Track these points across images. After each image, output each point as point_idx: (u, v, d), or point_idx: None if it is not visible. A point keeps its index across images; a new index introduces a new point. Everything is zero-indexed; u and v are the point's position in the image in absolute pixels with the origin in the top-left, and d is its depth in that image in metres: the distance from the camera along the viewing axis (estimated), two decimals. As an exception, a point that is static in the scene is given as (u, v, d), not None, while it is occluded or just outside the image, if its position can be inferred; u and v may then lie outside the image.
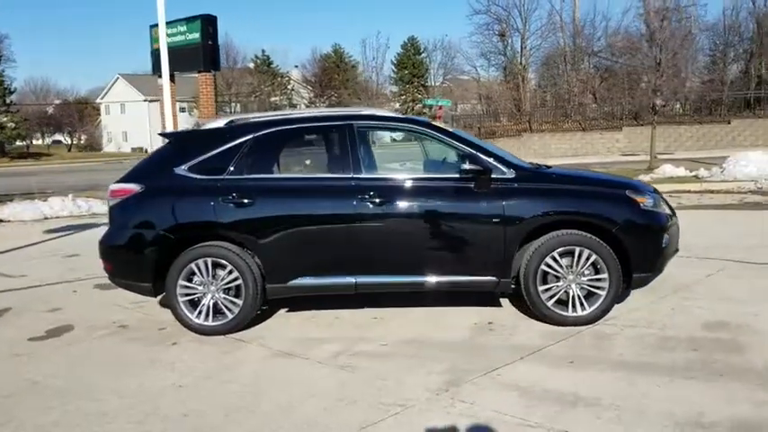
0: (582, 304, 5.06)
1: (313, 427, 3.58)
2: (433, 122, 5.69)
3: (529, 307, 5.19)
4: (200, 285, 5.23)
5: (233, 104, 61.83)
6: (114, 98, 70.50)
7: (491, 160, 5.11)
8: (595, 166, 19.99)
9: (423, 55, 75.51)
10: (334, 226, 5.16)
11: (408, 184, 5.22)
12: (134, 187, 5.34)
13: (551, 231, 5.06)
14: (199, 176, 5.27)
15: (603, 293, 5.04)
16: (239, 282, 5.18)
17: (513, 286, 5.20)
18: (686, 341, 4.64)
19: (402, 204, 5.11)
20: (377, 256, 5.16)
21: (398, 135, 5.85)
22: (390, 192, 5.11)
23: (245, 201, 5.14)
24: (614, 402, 3.68)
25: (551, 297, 5.07)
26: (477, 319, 5.41)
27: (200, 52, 19.96)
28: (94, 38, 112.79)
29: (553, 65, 36.68)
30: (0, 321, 6.00)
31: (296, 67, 70.25)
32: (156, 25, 20.72)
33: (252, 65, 64.71)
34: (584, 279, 5.05)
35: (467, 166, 4.97)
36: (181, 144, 5.57)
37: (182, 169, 5.31)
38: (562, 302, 5.09)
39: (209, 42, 20.27)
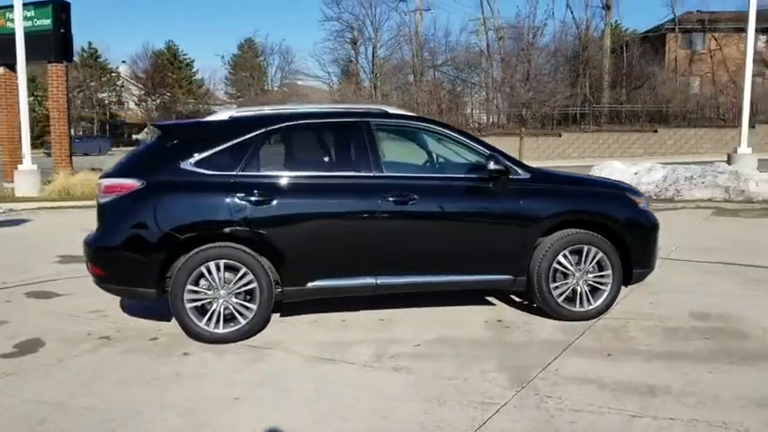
0: (588, 300, 5.32)
1: (427, 428, 3.47)
2: (447, 123, 5.71)
3: (538, 304, 5.36)
4: (208, 290, 4.83)
5: (54, 99, 56.88)
6: None
7: (507, 162, 5.23)
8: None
9: (260, 58, 74.56)
10: (355, 226, 5.01)
11: (428, 182, 5.21)
12: (133, 182, 4.82)
13: (561, 231, 5.29)
14: (209, 172, 4.88)
15: (607, 289, 5.33)
16: (253, 285, 4.86)
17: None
18: (692, 331, 5.05)
19: (422, 203, 5.05)
20: (398, 256, 5.08)
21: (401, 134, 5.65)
22: (411, 190, 5.04)
23: (263, 199, 4.83)
24: (686, 389, 3.92)
25: (561, 294, 5.28)
26: (484, 317, 5.50)
27: (51, 40, 18.27)
28: None
29: (402, 75, 37.84)
30: (-61, 338, 5.13)
31: (123, 62, 66.10)
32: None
33: (77, 58, 59.97)
34: (590, 276, 5.32)
35: (492, 165, 5.04)
36: (184, 137, 5.08)
37: (188, 164, 4.88)
38: (569, 299, 5.33)
39: (62, 30, 18.64)
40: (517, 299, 6.03)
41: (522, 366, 4.35)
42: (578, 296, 5.31)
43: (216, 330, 4.84)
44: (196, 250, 4.79)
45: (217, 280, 4.81)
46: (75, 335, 5.14)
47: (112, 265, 4.87)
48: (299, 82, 62.52)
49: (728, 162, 16.00)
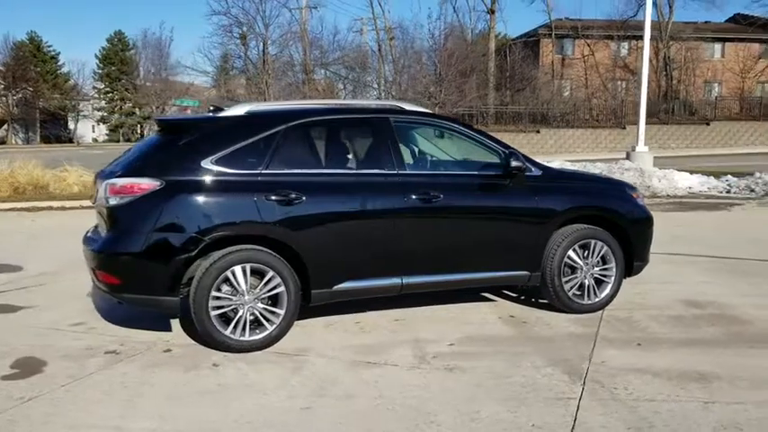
0: (594, 293, 5.49)
1: (524, 428, 3.43)
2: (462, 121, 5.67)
3: (550, 298, 5.46)
4: (232, 295, 4.54)
5: None
6: None
7: (523, 159, 5.29)
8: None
9: (131, 51, 71.14)
10: (382, 225, 4.88)
11: (450, 180, 5.18)
12: (152, 182, 4.43)
13: (569, 226, 5.42)
14: (232, 170, 4.58)
15: (611, 281, 5.52)
16: (280, 289, 4.62)
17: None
18: (695, 319, 5.31)
19: (446, 201, 5.00)
20: (423, 255, 5.01)
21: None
22: (434, 188, 4.98)
23: (291, 198, 4.59)
24: (732, 374, 4.10)
25: (570, 288, 5.42)
26: (494, 313, 5.55)
27: None
28: None
29: (292, 73, 37.38)
30: None
31: (-26, 54, 60.68)
32: None
33: None
34: (596, 269, 5.49)
35: (514, 163, 5.09)
36: (200, 133, 4.72)
37: (208, 162, 4.55)
38: (577, 293, 5.47)
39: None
40: (512, 294, 6.13)
41: (568, 360, 4.41)
42: (586, 289, 5.46)
43: (242, 338, 4.55)
44: (221, 254, 4.49)
45: (243, 285, 4.52)
46: (74, 351, 4.66)
47: (132, 273, 4.44)
48: (174, 77, 60.04)
49: (628, 159, 17.08)
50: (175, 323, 5.26)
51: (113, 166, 4.93)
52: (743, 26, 44.82)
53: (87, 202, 13.67)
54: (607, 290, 5.52)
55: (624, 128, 36.82)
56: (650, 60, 43.49)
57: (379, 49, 36.73)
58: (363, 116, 5.16)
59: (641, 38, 43.79)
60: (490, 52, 38.44)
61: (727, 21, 49.28)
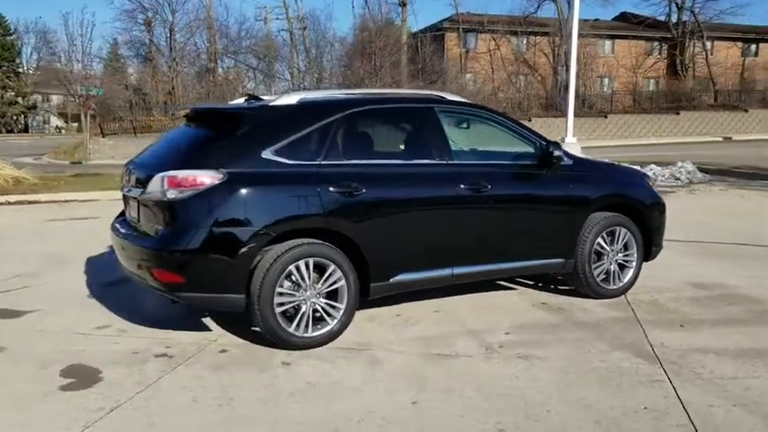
0: (619, 278, 5.69)
1: (639, 412, 3.51)
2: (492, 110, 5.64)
3: (579, 284, 5.59)
4: (294, 291, 4.36)
5: None
6: None
7: (562, 149, 5.36)
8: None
9: (12, 36, 66.59)
10: (435, 216, 4.84)
11: (496, 170, 5.19)
12: (214, 175, 4.16)
13: (597, 214, 5.57)
14: (291, 162, 4.38)
15: (633, 266, 5.74)
16: (341, 283, 4.49)
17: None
18: (712, 299, 5.59)
19: (495, 191, 5.01)
20: (473, 245, 5.01)
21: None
22: (483, 178, 4.99)
23: (352, 190, 4.46)
24: (786, 350, 4.42)
25: (599, 274, 5.58)
26: (527, 301, 5.62)
27: None
28: None
29: (199, 61, 36.21)
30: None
31: None
32: None
33: None
34: (620, 255, 5.69)
35: (556, 152, 5.17)
36: (256, 123, 4.47)
37: (268, 153, 4.34)
38: (603, 278, 5.64)
39: None
40: (529, 281, 6.22)
41: (631, 344, 4.54)
42: (611, 275, 5.64)
43: (305, 335, 4.39)
44: (284, 248, 4.30)
45: (307, 280, 4.36)
46: (120, 356, 4.33)
47: (197, 271, 4.15)
48: (64, 65, 56.53)
49: (558, 151, 17.65)
50: (209, 321, 5.01)
51: (151, 157, 4.63)
52: (633, 24, 47.47)
53: (15, 198, 12.79)
54: (629, 275, 5.73)
55: (530, 120, 38.12)
56: (548, 56, 45.70)
57: (291, 39, 36.22)
58: (412, 105, 5.10)
59: (542, 34, 45.28)
60: (402, 44, 38.76)
61: (615, 18, 51.95)
